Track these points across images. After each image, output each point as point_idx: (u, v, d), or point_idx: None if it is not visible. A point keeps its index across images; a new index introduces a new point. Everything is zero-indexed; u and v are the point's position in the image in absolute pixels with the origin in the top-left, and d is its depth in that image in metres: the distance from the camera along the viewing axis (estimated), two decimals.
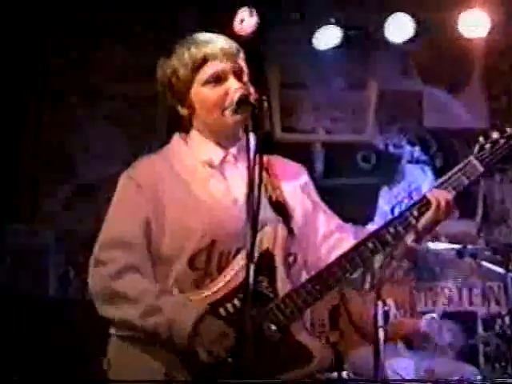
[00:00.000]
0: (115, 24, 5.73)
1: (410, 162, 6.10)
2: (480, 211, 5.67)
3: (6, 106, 5.62)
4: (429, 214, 2.50)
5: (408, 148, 6.12)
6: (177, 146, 2.64)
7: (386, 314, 3.84)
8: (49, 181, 5.80)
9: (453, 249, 4.84)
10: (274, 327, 2.43)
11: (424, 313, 5.11)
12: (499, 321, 4.78)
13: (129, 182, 2.56)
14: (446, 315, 5.41)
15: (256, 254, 2.41)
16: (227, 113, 2.50)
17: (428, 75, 6.12)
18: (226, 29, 2.62)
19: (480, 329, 5.33)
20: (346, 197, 5.85)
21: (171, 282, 2.50)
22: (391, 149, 6.15)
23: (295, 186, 2.65)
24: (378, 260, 2.57)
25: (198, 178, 2.57)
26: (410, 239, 2.54)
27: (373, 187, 6.02)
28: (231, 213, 2.52)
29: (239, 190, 2.56)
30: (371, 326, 3.90)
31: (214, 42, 2.54)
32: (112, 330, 2.55)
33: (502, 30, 5.47)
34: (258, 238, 2.43)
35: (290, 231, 2.49)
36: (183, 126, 2.64)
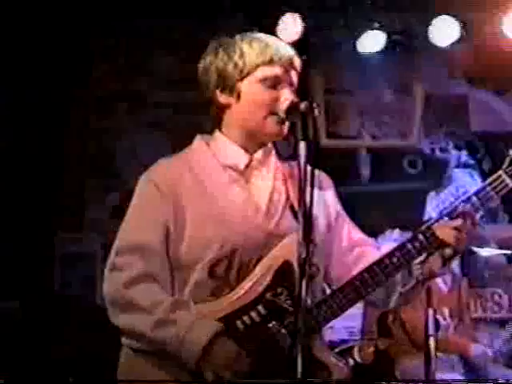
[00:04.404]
0: (160, 31, 5.76)
1: (457, 166, 6.03)
2: None
3: (53, 113, 5.67)
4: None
5: (455, 152, 6.05)
6: (199, 149, 2.55)
7: (437, 322, 3.78)
8: (96, 188, 5.86)
9: (503, 254, 4.78)
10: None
11: (475, 320, 5.04)
12: None
13: (147, 184, 2.48)
14: (495, 321, 5.33)
15: (275, 265, 2.39)
16: (271, 119, 2.45)
17: (474, 78, 6.05)
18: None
19: None
20: (392, 202, 5.81)
21: (189, 289, 2.42)
22: (438, 153, 6.09)
23: (320, 194, 2.51)
24: (399, 278, 2.48)
25: (220, 183, 2.48)
26: (435, 265, 2.43)
27: (420, 192, 5.95)
28: (253, 221, 2.45)
29: (262, 197, 2.49)
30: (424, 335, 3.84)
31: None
32: (123, 340, 2.47)
33: None
34: (278, 248, 2.41)
35: (312, 241, 2.27)
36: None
